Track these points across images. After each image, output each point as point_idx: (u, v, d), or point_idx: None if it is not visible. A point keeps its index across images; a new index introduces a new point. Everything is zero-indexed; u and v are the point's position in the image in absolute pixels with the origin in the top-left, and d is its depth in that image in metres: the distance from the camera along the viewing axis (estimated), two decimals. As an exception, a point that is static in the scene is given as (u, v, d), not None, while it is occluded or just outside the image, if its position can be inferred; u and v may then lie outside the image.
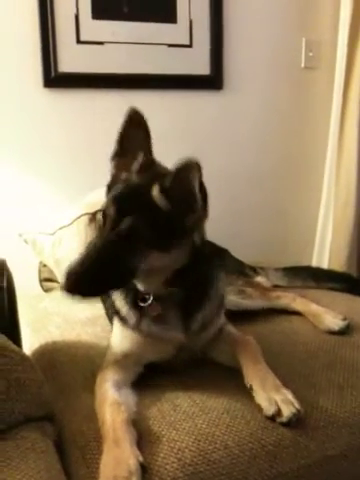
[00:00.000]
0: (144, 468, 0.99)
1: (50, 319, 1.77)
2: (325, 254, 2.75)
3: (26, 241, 2.22)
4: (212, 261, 1.37)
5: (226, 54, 2.50)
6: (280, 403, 1.12)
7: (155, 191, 1.12)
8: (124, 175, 1.23)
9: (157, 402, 1.21)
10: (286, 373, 1.35)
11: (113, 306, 1.35)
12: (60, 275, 2.10)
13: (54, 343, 1.58)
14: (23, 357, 1.12)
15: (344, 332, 1.59)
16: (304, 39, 2.64)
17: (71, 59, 2.27)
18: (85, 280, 1.11)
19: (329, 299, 1.86)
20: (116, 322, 1.34)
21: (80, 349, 1.51)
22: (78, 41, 2.27)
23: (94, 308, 1.81)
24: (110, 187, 1.24)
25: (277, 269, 2.02)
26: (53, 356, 1.49)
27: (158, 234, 1.12)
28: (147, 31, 2.36)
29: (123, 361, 1.27)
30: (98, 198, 2.05)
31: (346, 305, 1.82)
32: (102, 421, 1.10)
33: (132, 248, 1.12)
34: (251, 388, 1.18)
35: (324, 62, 2.69)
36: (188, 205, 1.12)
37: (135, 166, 1.22)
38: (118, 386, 1.21)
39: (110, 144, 2.33)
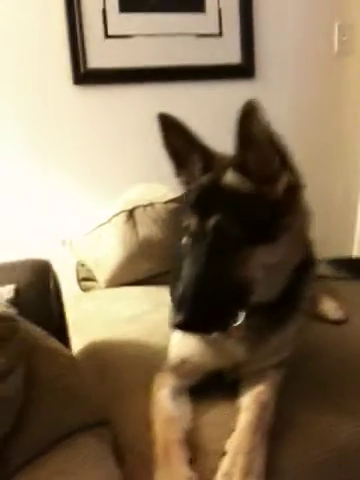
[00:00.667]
0: None
1: (93, 319, 1.73)
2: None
3: (64, 242, 2.20)
4: (306, 270, 1.15)
5: (257, 42, 2.43)
6: None
7: (229, 175, 1.01)
8: (193, 186, 1.11)
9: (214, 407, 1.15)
10: (346, 373, 1.29)
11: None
12: (99, 274, 2.08)
13: (100, 344, 1.54)
14: (73, 362, 1.09)
15: (339, 322, 1.57)
16: (337, 24, 2.55)
17: (100, 54, 2.24)
18: (197, 312, 0.95)
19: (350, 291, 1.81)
20: None
21: (129, 349, 1.47)
22: (106, 36, 2.24)
23: (137, 305, 1.79)
24: (185, 205, 1.11)
25: (322, 260, 1.95)
26: (101, 357, 1.45)
27: (254, 225, 0.97)
28: (175, 22, 2.32)
29: (182, 368, 1.18)
30: (136, 195, 2.05)
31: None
32: (154, 438, 1.04)
33: (231, 255, 0.96)
34: (223, 453, 0.98)
35: (358, 46, 2.59)
36: (269, 169, 0.98)
37: (197, 172, 1.10)
38: (175, 394, 1.14)
39: (143, 139, 2.33)
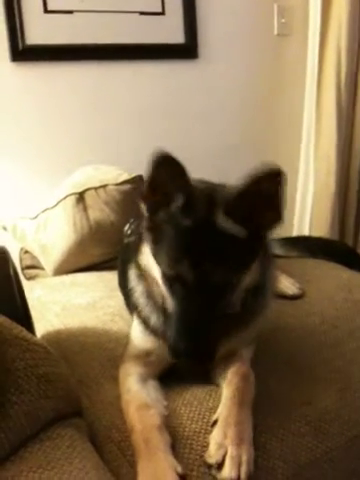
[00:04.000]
0: (185, 479, 0.92)
1: (47, 308, 1.65)
2: (305, 224, 2.74)
3: (4, 227, 2.08)
4: (268, 265, 1.16)
5: (200, 22, 2.40)
6: (228, 458, 0.92)
7: (220, 219, 0.97)
8: (163, 215, 1.01)
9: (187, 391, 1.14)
10: (311, 345, 1.33)
11: (133, 302, 1.21)
12: (47, 261, 1.99)
13: (58, 333, 1.48)
14: (47, 350, 1.03)
15: (296, 298, 1.63)
16: (276, 5, 2.58)
17: (39, 30, 2.12)
18: (207, 347, 0.97)
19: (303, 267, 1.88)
20: (136, 319, 1.21)
21: (89, 336, 1.42)
22: (45, 10, 2.11)
23: (91, 292, 1.74)
24: (153, 232, 1.04)
25: (273, 239, 1.98)
26: (62, 347, 1.38)
27: (242, 263, 1.00)
28: (118, -2, 2.23)
29: (145, 357, 1.16)
30: (84, 177, 1.97)
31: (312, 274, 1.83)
32: (130, 427, 1.02)
33: (225, 292, 0.99)
34: (214, 423, 1.01)
35: (296, 28, 2.64)
36: (265, 220, 0.99)
37: (174, 207, 1.00)
38: (143, 380, 1.12)
39: (86, 119, 2.25)
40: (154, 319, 1.15)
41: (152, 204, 1.03)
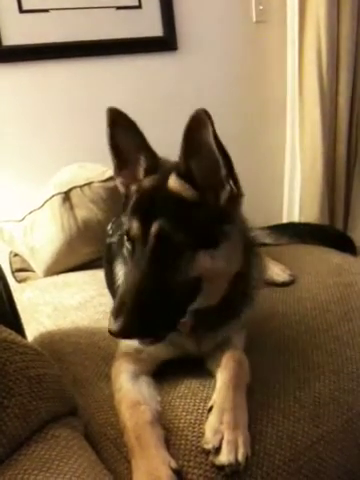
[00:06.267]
0: (180, 473, 0.92)
1: (38, 309, 1.65)
2: (295, 209, 2.74)
3: (-9, 231, 2.07)
4: (250, 252, 1.16)
5: (177, 13, 2.38)
6: (224, 443, 0.92)
7: (172, 181, 1.00)
8: (134, 187, 1.08)
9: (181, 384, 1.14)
10: (304, 330, 1.33)
11: None
12: (36, 263, 1.98)
13: (51, 334, 1.48)
14: (38, 352, 1.02)
15: (287, 284, 1.63)
16: (253, -7, 2.56)
17: (15, 30, 2.10)
18: (136, 318, 0.93)
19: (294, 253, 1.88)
20: None
21: (81, 336, 1.42)
22: (21, 10, 2.09)
23: (83, 291, 1.73)
24: (125, 207, 1.08)
25: (263, 227, 1.98)
26: (55, 348, 1.38)
27: (195, 230, 0.97)
28: (93, -6, 2.21)
29: (136, 355, 1.16)
30: (68, 176, 1.95)
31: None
32: (123, 425, 1.02)
33: (173, 258, 0.96)
34: (210, 409, 1.01)
35: (275, 14, 2.62)
36: (213, 178, 0.98)
37: (141, 172, 1.08)
38: (135, 377, 1.12)
39: (70, 117, 2.23)
40: None
41: (125, 177, 1.11)
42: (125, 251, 1.08)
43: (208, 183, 0.99)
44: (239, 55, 2.59)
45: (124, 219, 1.06)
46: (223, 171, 0.97)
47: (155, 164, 1.07)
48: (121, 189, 1.13)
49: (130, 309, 0.93)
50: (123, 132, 1.06)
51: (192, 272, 0.98)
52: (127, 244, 1.04)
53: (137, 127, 1.05)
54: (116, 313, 0.93)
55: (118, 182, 1.13)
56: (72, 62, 2.22)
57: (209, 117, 0.91)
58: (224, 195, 1.00)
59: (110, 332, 0.94)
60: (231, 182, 0.99)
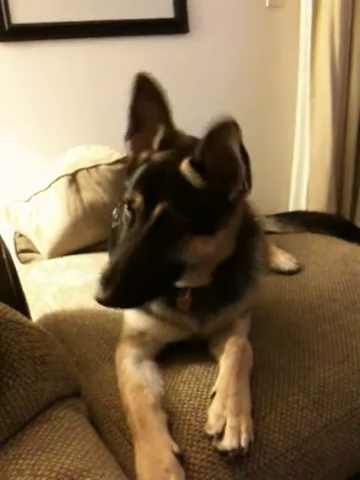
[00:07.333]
0: (182, 457, 0.92)
1: (43, 290, 1.65)
2: (302, 196, 2.72)
3: (-2, 211, 2.06)
4: (252, 235, 1.18)
5: (189, -4, 2.34)
6: (227, 428, 0.92)
7: (184, 166, 0.98)
8: (144, 155, 1.06)
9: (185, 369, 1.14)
10: (309, 319, 1.33)
11: None
12: (41, 244, 1.97)
13: (55, 315, 1.47)
14: (42, 332, 1.02)
15: (293, 273, 1.63)
16: (267, -24, 2.51)
17: (25, 9, 2.05)
18: (124, 290, 0.94)
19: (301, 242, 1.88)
20: None
21: (86, 318, 1.41)
22: (31, -13, 2.06)
23: (87, 273, 1.71)
24: (130, 171, 1.06)
25: (269, 215, 1.97)
26: (59, 329, 1.38)
27: (197, 216, 0.97)
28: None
29: (141, 339, 1.16)
30: (75, 158, 1.94)
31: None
32: (126, 408, 1.02)
33: (171, 239, 0.97)
34: (213, 395, 1.01)
35: (288, 0, 2.58)
36: (228, 176, 0.96)
37: (156, 142, 1.05)
38: (138, 361, 1.12)
39: (79, 98, 2.21)
40: None
41: (135, 142, 1.07)
42: (123, 218, 1.07)
43: (219, 178, 0.98)
44: (251, 39, 2.55)
45: (127, 184, 1.04)
46: (241, 176, 0.96)
47: (172, 139, 1.05)
48: (129, 153, 1.10)
49: (120, 281, 0.94)
50: (147, 99, 1.02)
51: (185, 255, 0.99)
52: (126, 212, 1.03)
53: (163, 98, 1.02)
54: (106, 282, 0.94)
55: (127, 145, 1.10)
56: (81, 42, 2.18)
57: (237, 127, 0.90)
58: (234, 194, 0.99)
59: (97, 300, 0.96)
60: (246, 184, 0.98)
